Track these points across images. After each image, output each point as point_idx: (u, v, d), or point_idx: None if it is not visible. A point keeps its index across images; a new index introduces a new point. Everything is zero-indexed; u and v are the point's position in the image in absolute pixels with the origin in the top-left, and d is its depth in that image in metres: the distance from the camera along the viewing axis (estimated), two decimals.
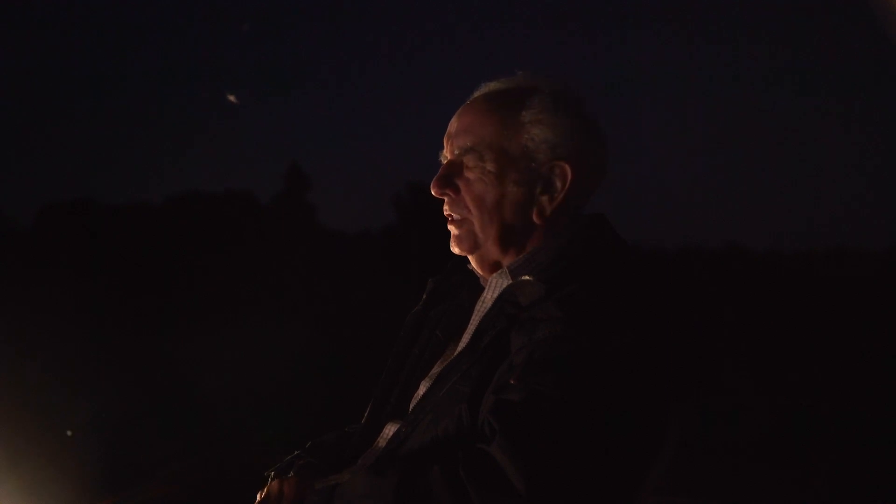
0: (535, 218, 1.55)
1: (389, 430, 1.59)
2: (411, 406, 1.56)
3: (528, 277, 1.48)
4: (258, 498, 1.57)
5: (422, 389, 1.59)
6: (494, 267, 1.59)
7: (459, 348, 1.55)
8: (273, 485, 1.57)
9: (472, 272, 1.67)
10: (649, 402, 1.42)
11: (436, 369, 1.61)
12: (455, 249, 1.61)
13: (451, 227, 1.61)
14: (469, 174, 1.56)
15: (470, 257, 1.62)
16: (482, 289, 1.63)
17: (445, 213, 1.61)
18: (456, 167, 1.58)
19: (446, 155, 1.61)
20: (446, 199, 1.59)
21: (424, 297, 1.72)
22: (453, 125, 1.60)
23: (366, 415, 1.67)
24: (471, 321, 1.60)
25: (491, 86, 1.63)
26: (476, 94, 1.63)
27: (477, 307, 1.61)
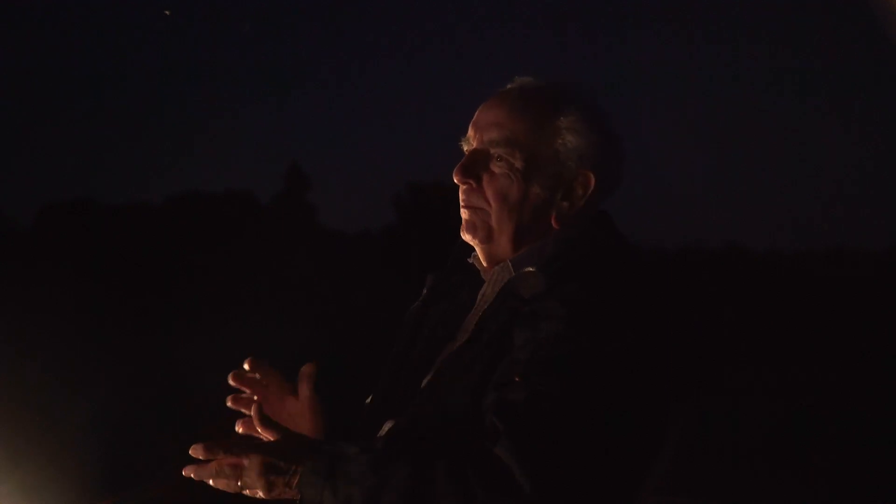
0: (552, 222, 1.56)
1: (390, 425, 1.59)
2: (413, 401, 1.56)
3: (530, 269, 1.48)
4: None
5: (423, 384, 1.59)
6: (500, 263, 1.59)
7: (460, 342, 1.55)
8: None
9: (471, 269, 1.67)
10: (650, 402, 1.42)
11: (437, 364, 1.61)
12: (466, 236, 1.60)
13: (464, 213, 1.59)
14: (495, 168, 1.56)
15: (478, 248, 1.61)
16: (482, 283, 1.63)
17: (461, 201, 1.60)
18: (481, 157, 1.57)
19: (472, 143, 1.59)
20: (465, 187, 1.58)
21: (425, 292, 1.72)
22: (485, 114, 1.59)
23: (366, 412, 1.67)
24: (471, 315, 1.60)
25: (525, 81, 1.62)
26: (509, 86, 1.62)
27: (478, 301, 1.61)
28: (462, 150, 1.62)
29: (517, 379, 1.37)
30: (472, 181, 1.57)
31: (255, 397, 1.65)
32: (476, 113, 1.62)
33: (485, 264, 1.62)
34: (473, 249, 1.65)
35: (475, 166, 1.57)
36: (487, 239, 1.58)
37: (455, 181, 1.59)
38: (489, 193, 1.56)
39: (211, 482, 1.41)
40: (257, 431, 1.46)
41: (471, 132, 1.61)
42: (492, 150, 1.56)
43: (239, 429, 1.59)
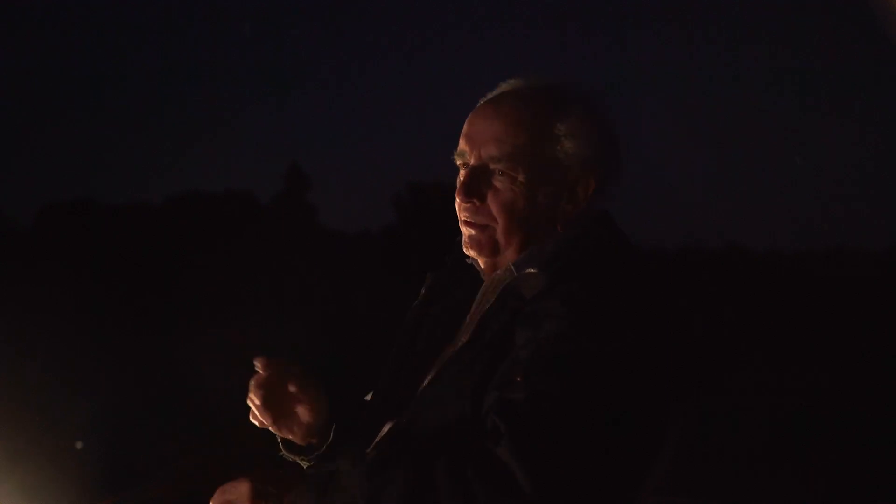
0: (558, 227, 1.55)
1: (390, 426, 1.58)
2: (413, 401, 1.56)
3: (531, 270, 1.48)
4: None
5: (423, 384, 1.59)
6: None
7: (461, 342, 1.55)
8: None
9: (471, 267, 1.66)
10: (650, 402, 1.42)
11: (437, 364, 1.61)
12: (471, 253, 1.59)
13: (468, 230, 1.57)
14: (498, 184, 1.53)
15: (482, 261, 1.60)
16: (482, 283, 1.63)
17: (466, 218, 1.57)
18: (482, 174, 1.53)
19: (469, 159, 1.55)
20: (468, 205, 1.56)
21: (424, 291, 1.71)
22: (479, 128, 1.55)
23: (366, 412, 1.67)
24: (471, 315, 1.60)
25: (517, 86, 1.58)
26: (501, 91, 1.59)
27: (477, 301, 1.61)
28: (455, 163, 1.59)
29: (518, 379, 1.37)
30: (476, 200, 1.55)
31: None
32: (467, 125, 1.57)
33: (487, 271, 1.62)
34: None
35: (477, 184, 1.54)
36: (494, 254, 1.57)
37: (459, 201, 1.57)
38: (495, 209, 1.54)
39: None
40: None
41: (465, 146, 1.56)
42: (492, 167, 1.53)
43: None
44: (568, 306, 1.40)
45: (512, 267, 1.54)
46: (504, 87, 1.60)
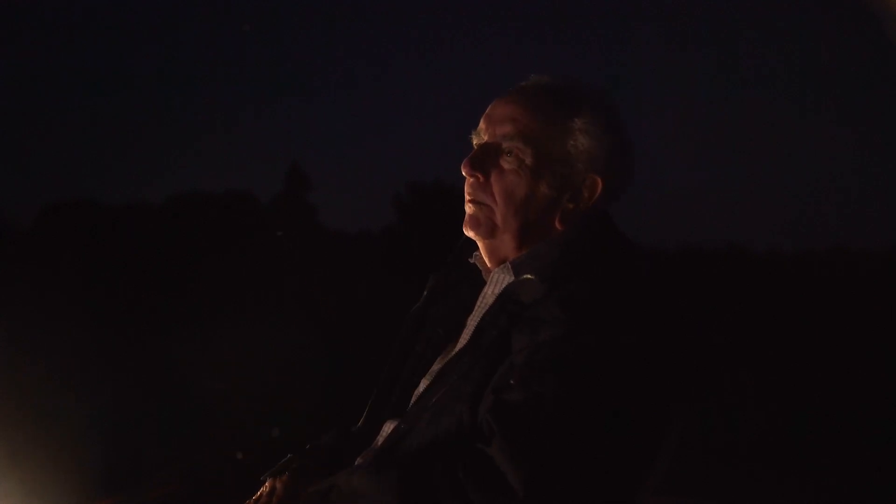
0: (557, 223, 1.55)
1: (389, 428, 1.59)
2: (411, 404, 1.56)
3: (530, 276, 1.48)
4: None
5: (422, 387, 1.59)
6: (502, 261, 1.59)
7: (460, 346, 1.55)
8: (265, 487, 1.56)
9: (473, 267, 1.66)
10: (650, 403, 1.42)
11: (436, 367, 1.61)
12: (468, 232, 1.60)
13: (468, 207, 1.59)
14: (504, 163, 1.55)
15: (481, 244, 1.61)
16: (483, 283, 1.63)
17: (467, 194, 1.59)
18: (492, 152, 1.56)
19: (483, 136, 1.58)
20: (471, 181, 1.58)
21: (425, 293, 1.72)
22: (499, 109, 1.58)
23: (365, 413, 1.68)
24: (471, 318, 1.60)
25: (542, 79, 1.61)
26: (525, 83, 1.61)
27: (478, 303, 1.61)
28: (472, 143, 1.61)
29: (514, 381, 1.37)
30: (479, 175, 1.56)
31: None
32: (489, 107, 1.60)
33: (487, 261, 1.62)
34: (476, 249, 1.64)
35: (484, 160, 1.56)
36: (490, 235, 1.58)
37: (463, 173, 1.58)
38: (496, 189, 1.55)
39: None
40: None
41: (482, 126, 1.59)
42: (504, 145, 1.55)
43: None
44: (566, 311, 1.40)
45: (510, 266, 1.55)
46: (532, 79, 1.61)
